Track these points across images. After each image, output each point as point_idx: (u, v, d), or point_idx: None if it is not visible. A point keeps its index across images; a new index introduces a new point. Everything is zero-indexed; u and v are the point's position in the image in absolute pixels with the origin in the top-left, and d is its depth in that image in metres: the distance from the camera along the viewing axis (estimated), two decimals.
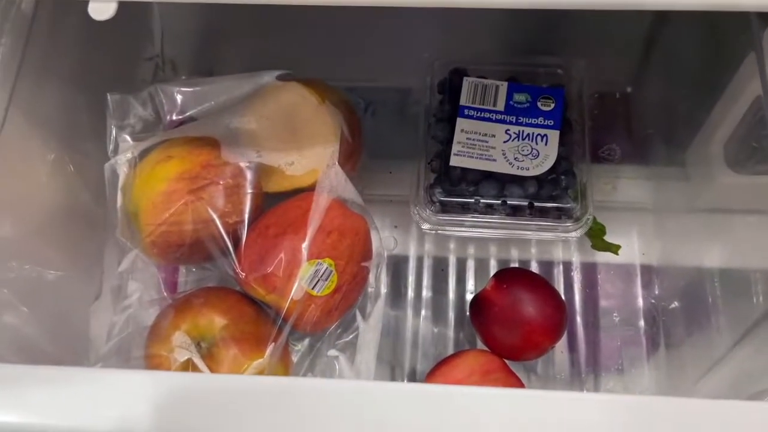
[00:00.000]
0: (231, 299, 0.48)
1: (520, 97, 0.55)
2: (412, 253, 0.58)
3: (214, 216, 0.48)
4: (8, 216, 0.46)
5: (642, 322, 0.57)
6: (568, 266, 0.58)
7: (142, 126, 0.52)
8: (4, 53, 0.43)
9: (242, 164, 0.49)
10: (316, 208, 0.48)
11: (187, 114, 0.52)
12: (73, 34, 0.50)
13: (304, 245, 0.46)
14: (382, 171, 0.60)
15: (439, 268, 0.58)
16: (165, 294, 0.50)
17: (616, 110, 0.63)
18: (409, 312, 0.57)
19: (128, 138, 0.51)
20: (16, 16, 0.44)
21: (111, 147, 0.51)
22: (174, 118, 0.52)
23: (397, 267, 0.58)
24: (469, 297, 0.56)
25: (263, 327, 0.47)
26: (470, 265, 0.58)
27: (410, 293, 0.57)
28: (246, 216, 0.48)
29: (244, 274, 0.47)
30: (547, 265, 0.58)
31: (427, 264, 0.58)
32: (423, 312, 0.57)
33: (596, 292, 0.58)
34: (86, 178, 0.52)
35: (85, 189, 0.52)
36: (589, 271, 0.59)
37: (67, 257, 0.51)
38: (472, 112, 0.55)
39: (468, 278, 0.58)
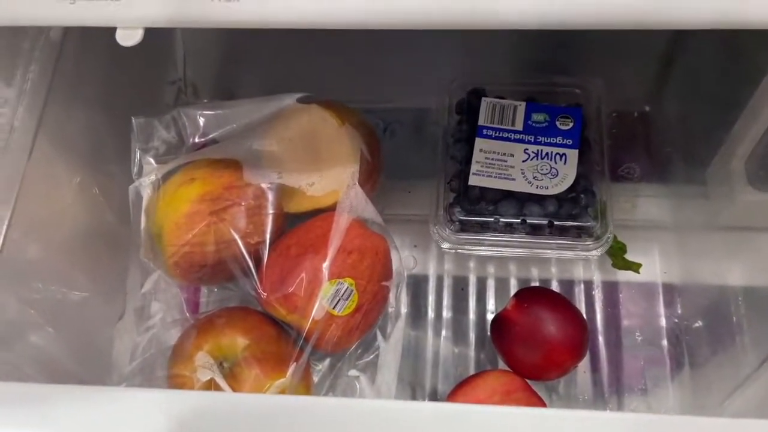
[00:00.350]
0: (252, 319, 0.49)
1: (538, 117, 0.56)
2: (431, 272, 0.58)
3: (236, 236, 0.48)
4: (35, 238, 0.47)
5: (665, 342, 0.57)
6: (589, 285, 0.58)
7: (165, 149, 0.52)
8: (33, 80, 0.45)
9: (264, 185, 0.50)
10: (337, 228, 0.48)
11: (210, 137, 0.53)
12: (99, 61, 0.51)
13: (325, 265, 0.47)
14: (401, 191, 0.60)
15: (459, 288, 0.58)
16: (187, 314, 0.51)
17: (635, 129, 0.63)
18: (430, 332, 0.57)
19: (152, 160, 0.51)
20: (45, 44, 0.46)
21: (135, 169, 0.51)
22: (197, 140, 0.53)
23: (417, 286, 0.58)
24: (489, 316, 0.56)
25: (284, 347, 0.48)
26: (490, 284, 0.58)
27: (430, 313, 0.57)
28: (267, 236, 0.49)
29: (265, 294, 0.48)
30: (568, 285, 0.58)
31: (447, 283, 0.58)
32: (443, 332, 0.57)
33: (618, 311, 0.57)
34: (111, 200, 0.53)
35: (110, 211, 0.53)
36: (611, 290, 0.58)
37: (92, 278, 0.52)
38: (490, 132, 0.55)
39: (488, 298, 0.58)
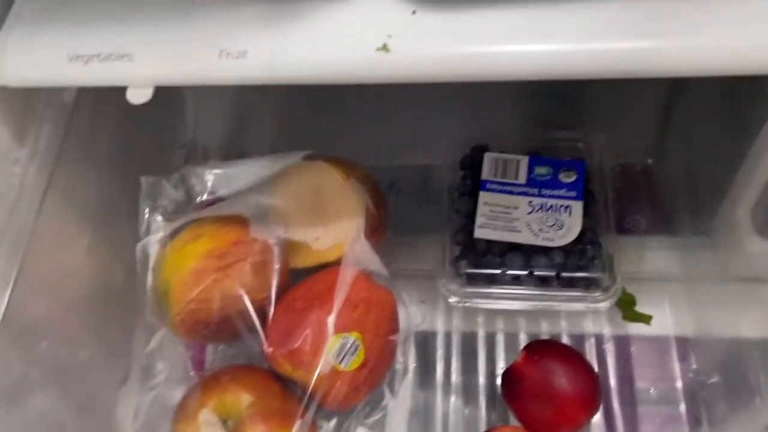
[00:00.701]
0: (258, 376, 0.48)
1: (541, 170, 0.56)
2: (439, 328, 0.58)
3: (242, 292, 0.48)
4: (42, 296, 0.47)
5: (681, 398, 0.55)
6: (600, 339, 0.57)
7: (173, 207, 0.53)
8: (45, 140, 0.46)
9: (270, 240, 0.50)
10: (343, 281, 0.48)
11: (217, 194, 0.54)
12: (110, 123, 0.53)
13: (331, 319, 0.46)
14: (407, 246, 0.60)
15: (468, 344, 0.57)
16: (192, 372, 0.50)
17: (638, 182, 0.63)
18: (439, 391, 0.56)
19: (160, 219, 0.52)
20: (58, 106, 0.47)
21: (143, 228, 0.52)
22: (204, 198, 0.54)
23: (424, 343, 0.57)
24: (499, 373, 0.55)
25: (290, 404, 0.47)
26: (500, 339, 0.57)
27: (439, 371, 0.56)
28: (273, 292, 0.49)
29: (271, 349, 0.47)
30: (579, 339, 0.57)
31: (455, 340, 0.57)
32: (453, 391, 0.56)
33: (631, 365, 0.56)
34: (118, 259, 0.53)
35: (117, 270, 0.53)
36: (623, 344, 0.57)
37: (97, 338, 0.51)
38: (494, 186, 0.56)
39: (498, 354, 0.56)
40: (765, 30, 0.34)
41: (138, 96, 0.38)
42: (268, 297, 0.49)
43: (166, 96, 0.39)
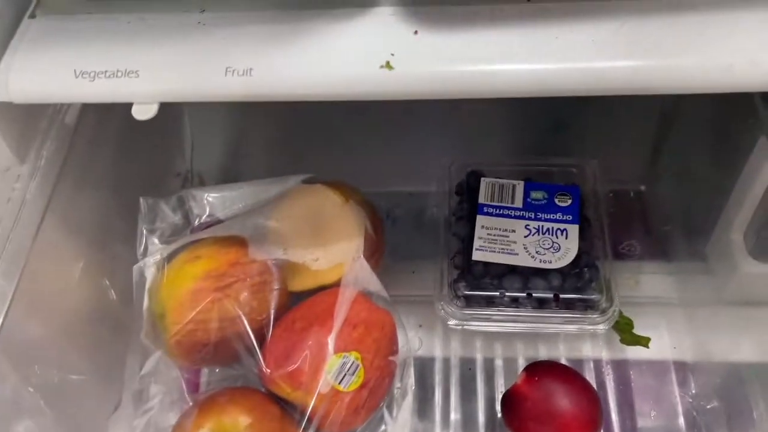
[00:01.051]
0: (255, 398, 0.47)
1: (537, 195, 0.57)
2: (438, 353, 0.57)
3: (240, 313, 0.48)
4: (37, 318, 0.46)
5: (682, 422, 0.55)
6: (598, 364, 0.57)
7: (171, 230, 0.53)
8: (47, 158, 0.46)
9: (268, 262, 0.50)
10: (342, 300, 0.48)
11: (216, 217, 0.54)
12: (111, 145, 0.53)
13: (331, 338, 0.46)
14: (405, 272, 0.60)
15: (467, 368, 0.56)
16: (187, 395, 0.49)
17: (632, 207, 0.64)
18: (438, 416, 0.55)
19: (157, 241, 0.52)
20: (61, 125, 0.47)
21: (140, 250, 0.52)
22: (203, 221, 0.54)
23: (423, 367, 0.56)
24: (498, 396, 0.54)
25: (288, 427, 0.46)
26: (498, 364, 0.56)
27: (438, 395, 0.55)
28: (272, 313, 0.49)
29: (269, 371, 0.46)
30: (577, 363, 0.57)
31: (453, 363, 0.56)
32: (452, 416, 0.55)
33: (630, 389, 0.56)
34: (115, 280, 0.53)
35: (113, 291, 0.53)
36: (621, 368, 0.57)
37: (91, 361, 0.51)
38: (491, 210, 0.56)
39: (497, 378, 0.56)
40: (752, 48, 0.35)
41: (143, 112, 0.39)
42: (267, 318, 0.48)
43: (166, 123, 0.40)
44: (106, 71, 0.38)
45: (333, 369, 0.45)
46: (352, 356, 0.46)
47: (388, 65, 0.36)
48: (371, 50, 0.37)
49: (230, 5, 0.40)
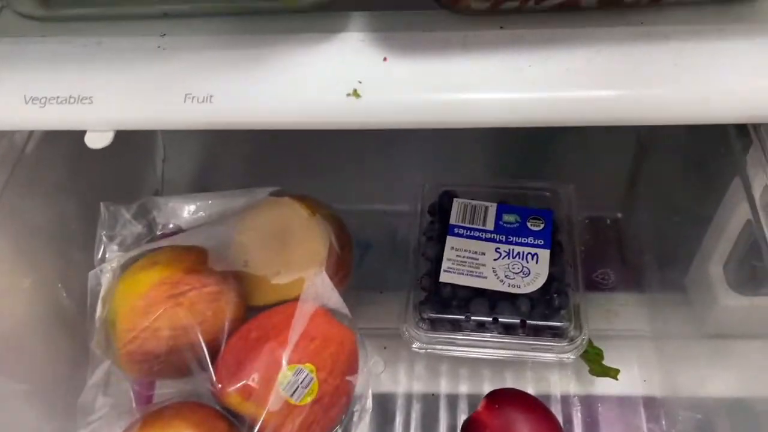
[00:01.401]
0: (203, 413, 0.45)
1: (509, 218, 0.56)
2: (401, 377, 0.55)
3: (194, 323, 0.46)
4: None
5: None
6: (566, 396, 0.55)
7: (132, 238, 0.52)
8: None
9: (227, 272, 0.49)
10: (300, 315, 0.46)
11: (179, 227, 0.52)
12: (72, 153, 0.51)
13: (286, 351, 0.45)
14: (373, 291, 0.59)
15: (430, 394, 0.55)
16: (136, 408, 0.47)
17: (608, 235, 0.63)
18: None
19: (116, 248, 0.51)
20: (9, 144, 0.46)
21: (98, 256, 0.50)
22: (165, 231, 0.52)
23: (384, 392, 0.55)
24: (460, 423, 0.52)
25: None
26: (462, 390, 0.55)
27: (398, 420, 0.54)
28: (226, 324, 0.47)
29: (220, 384, 0.45)
30: (545, 395, 0.55)
31: (416, 387, 0.55)
32: None
33: (598, 425, 0.54)
34: (70, 287, 0.51)
35: (68, 299, 0.51)
36: (590, 402, 0.55)
37: (39, 370, 0.49)
38: (462, 231, 0.55)
39: (460, 405, 0.54)
40: (727, 79, 0.34)
41: (97, 140, 0.37)
42: (221, 330, 0.47)
43: (137, 133, 0.38)
44: (57, 97, 0.36)
45: (286, 382, 0.44)
46: (306, 369, 0.45)
47: (355, 93, 0.35)
48: (338, 77, 0.35)
49: (192, 29, 0.38)
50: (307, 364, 0.44)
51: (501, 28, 0.36)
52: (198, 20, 0.38)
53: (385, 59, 0.36)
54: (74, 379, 0.51)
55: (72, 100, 0.36)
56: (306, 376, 0.44)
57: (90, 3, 0.37)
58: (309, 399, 0.44)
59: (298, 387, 0.44)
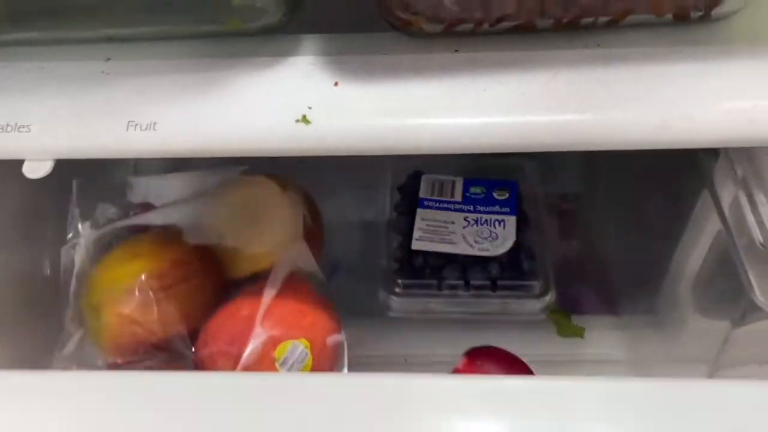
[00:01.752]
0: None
1: (476, 189, 0.58)
2: (378, 344, 0.56)
3: (181, 315, 0.47)
4: None
5: None
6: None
7: (105, 217, 0.52)
8: None
9: (205, 248, 0.49)
10: (275, 278, 0.47)
11: (153, 204, 0.53)
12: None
13: (280, 326, 0.45)
14: (347, 266, 0.59)
15: (409, 355, 0.55)
16: None
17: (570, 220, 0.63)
18: None
19: (89, 225, 0.51)
20: None
21: (70, 234, 0.50)
22: (140, 209, 0.53)
23: (360, 359, 0.55)
24: None
25: None
26: (438, 353, 0.55)
27: None
28: (210, 312, 0.48)
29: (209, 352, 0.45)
30: None
31: (393, 352, 0.55)
32: None
33: None
34: (42, 265, 0.51)
35: (40, 277, 0.51)
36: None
37: (13, 349, 0.48)
38: (431, 203, 0.57)
39: (436, 367, 0.55)
40: (685, 102, 0.33)
41: (35, 170, 0.35)
42: (205, 317, 0.48)
43: None
44: None
45: (282, 356, 0.44)
46: (302, 344, 0.45)
47: (304, 119, 0.34)
48: (287, 103, 0.34)
49: (138, 54, 0.37)
50: (302, 339, 0.45)
51: (456, 51, 0.35)
52: (144, 44, 0.37)
53: (336, 84, 0.35)
54: (45, 360, 0.50)
55: (9, 128, 0.35)
56: (301, 352, 0.45)
57: (32, 27, 0.36)
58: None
59: (294, 362, 0.44)
